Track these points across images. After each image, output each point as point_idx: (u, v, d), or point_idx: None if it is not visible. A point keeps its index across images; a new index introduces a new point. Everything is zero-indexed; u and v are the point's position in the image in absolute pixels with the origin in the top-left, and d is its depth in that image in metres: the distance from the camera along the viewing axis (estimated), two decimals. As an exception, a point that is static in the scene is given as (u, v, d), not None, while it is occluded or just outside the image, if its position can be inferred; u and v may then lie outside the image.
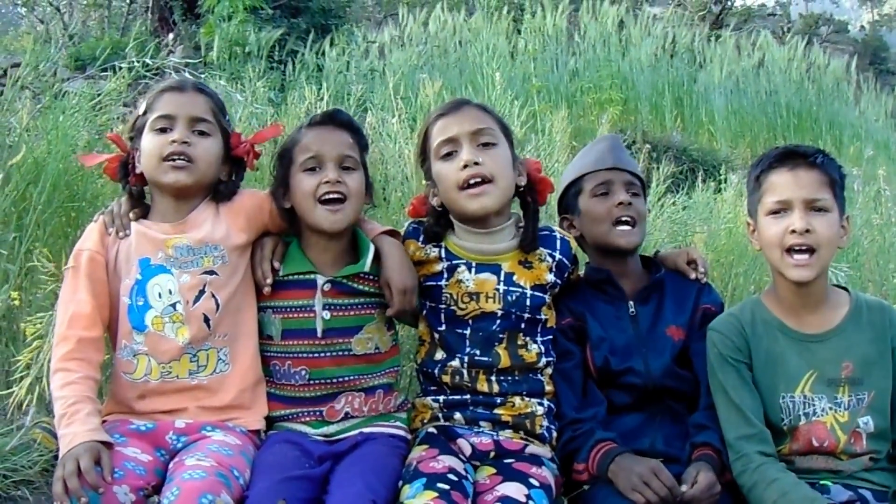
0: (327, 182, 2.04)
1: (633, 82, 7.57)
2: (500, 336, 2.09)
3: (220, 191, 2.12)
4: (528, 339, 2.11)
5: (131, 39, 3.23)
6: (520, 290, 2.10)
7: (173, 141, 2.01)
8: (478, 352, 2.08)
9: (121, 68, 2.94)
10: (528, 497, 1.83)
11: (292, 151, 2.11)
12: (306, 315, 2.05)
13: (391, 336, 2.16)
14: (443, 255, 2.14)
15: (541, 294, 2.12)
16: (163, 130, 2.03)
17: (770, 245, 2.01)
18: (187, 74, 2.97)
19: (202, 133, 2.06)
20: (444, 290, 2.11)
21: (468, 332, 2.09)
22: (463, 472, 1.90)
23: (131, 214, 2.07)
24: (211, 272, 2.03)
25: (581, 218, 2.26)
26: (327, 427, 2.06)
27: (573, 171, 2.34)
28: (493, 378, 2.08)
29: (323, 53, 6.88)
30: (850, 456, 1.96)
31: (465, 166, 2.05)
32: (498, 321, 2.09)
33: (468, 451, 2.02)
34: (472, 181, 2.05)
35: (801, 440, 1.99)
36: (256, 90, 3.66)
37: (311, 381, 2.05)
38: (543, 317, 2.14)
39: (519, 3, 8.88)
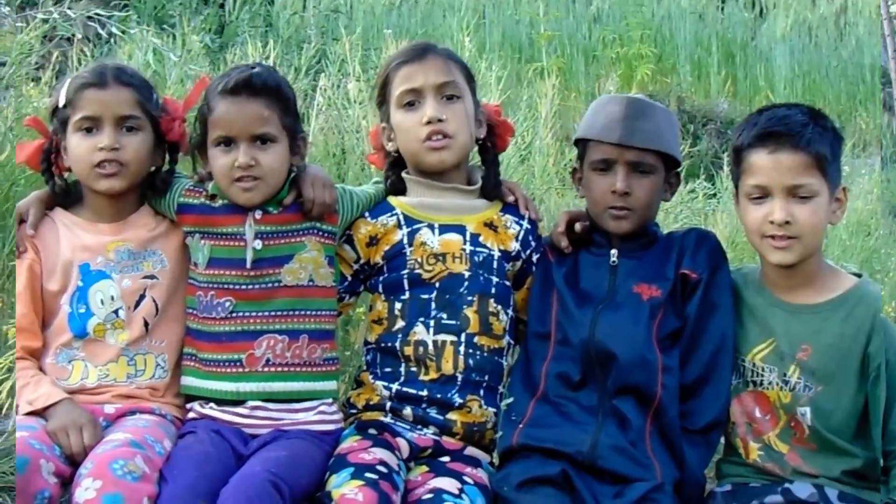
0: (239, 166, 2.60)
1: (670, 33, 7.98)
2: (469, 298, 2.70)
3: (156, 185, 2.73)
4: (499, 307, 2.73)
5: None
6: (487, 250, 2.75)
7: (101, 147, 2.59)
8: (444, 315, 2.69)
9: (34, 17, 3.47)
10: (461, 491, 2.43)
11: (207, 119, 2.67)
12: (235, 244, 2.66)
13: (331, 274, 2.73)
14: (401, 221, 2.76)
15: (506, 263, 2.76)
16: (89, 130, 2.62)
17: (749, 229, 2.57)
18: (114, 29, 3.51)
19: (130, 129, 2.64)
20: (408, 257, 2.73)
21: (434, 294, 2.70)
22: (395, 467, 2.48)
23: (30, 226, 2.63)
24: (151, 276, 2.67)
25: (584, 183, 2.83)
26: (247, 382, 2.61)
27: (583, 126, 2.83)
28: (461, 349, 2.67)
29: None
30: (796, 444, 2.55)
31: (429, 121, 2.68)
32: (466, 283, 2.71)
33: (406, 451, 2.61)
34: (433, 136, 2.68)
35: (743, 404, 2.61)
36: (189, 41, 4.20)
37: (234, 314, 2.64)
38: (513, 291, 2.77)
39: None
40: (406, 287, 2.73)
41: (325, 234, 2.73)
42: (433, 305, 2.70)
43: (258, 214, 2.67)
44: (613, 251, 2.75)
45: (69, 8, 3.56)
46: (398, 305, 2.73)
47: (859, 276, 2.65)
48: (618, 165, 2.69)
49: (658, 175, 2.74)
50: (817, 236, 2.55)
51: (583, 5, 8.16)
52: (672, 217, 4.26)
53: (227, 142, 2.63)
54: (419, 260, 2.72)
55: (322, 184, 2.72)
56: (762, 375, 2.60)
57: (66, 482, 2.38)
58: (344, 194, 2.78)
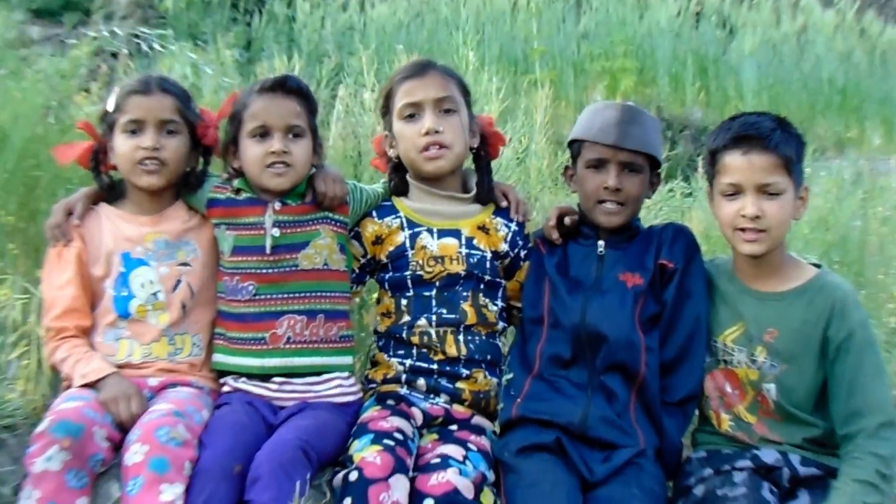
0: (273, 153, 2.69)
1: (650, 49, 8.06)
2: (465, 294, 2.77)
3: (190, 182, 2.79)
4: (487, 300, 2.80)
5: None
6: (480, 252, 2.80)
7: (144, 147, 2.67)
8: (444, 311, 2.75)
9: (85, 35, 3.56)
10: (465, 457, 2.48)
11: (242, 115, 2.75)
12: (257, 232, 2.71)
13: (344, 260, 2.79)
14: (404, 224, 2.82)
15: (496, 261, 2.82)
16: (133, 132, 2.69)
17: (723, 223, 2.62)
18: (157, 46, 3.59)
19: (170, 132, 2.72)
20: (410, 259, 2.78)
21: (434, 292, 2.77)
22: (410, 434, 2.55)
23: (76, 217, 2.70)
24: (185, 264, 2.74)
25: (576, 180, 2.86)
26: (271, 358, 2.67)
27: (579, 128, 2.84)
28: (461, 338, 2.74)
29: (294, 4, 7.32)
30: (762, 416, 2.61)
31: (427, 133, 2.73)
32: (462, 281, 2.77)
33: (420, 419, 2.67)
34: (430, 147, 2.74)
35: (716, 380, 2.66)
36: (222, 55, 4.28)
37: (257, 297, 2.69)
38: (501, 282, 2.84)
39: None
40: (409, 286, 2.79)
41: (337, 224, 2.79)
42: (434, 302, 2.76)
43: (277, 205, 2.73)
44: (600, 242, 2.79)
45: (116, 27, 3.60)
46: (404, 302, 2.79)
47: (819, 266, 2.69)
48: (611, 164, 2.73)
49: (645, 174, 2.78)
50: (783, 229, 2.60)
51: (572, 24, 8.23)
52: (653, 214, 4.31)
53: (263, 133, 2.70)
54: (420, 262, 2.78)
55: (333, 179, 2.78)
56: (732, 355, 2.65)
57: (117, 447, 2.44)
58: (354, 190, 2.84)
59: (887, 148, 7.85)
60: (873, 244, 4.52)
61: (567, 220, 2.83)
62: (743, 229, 2.55)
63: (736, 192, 2.56)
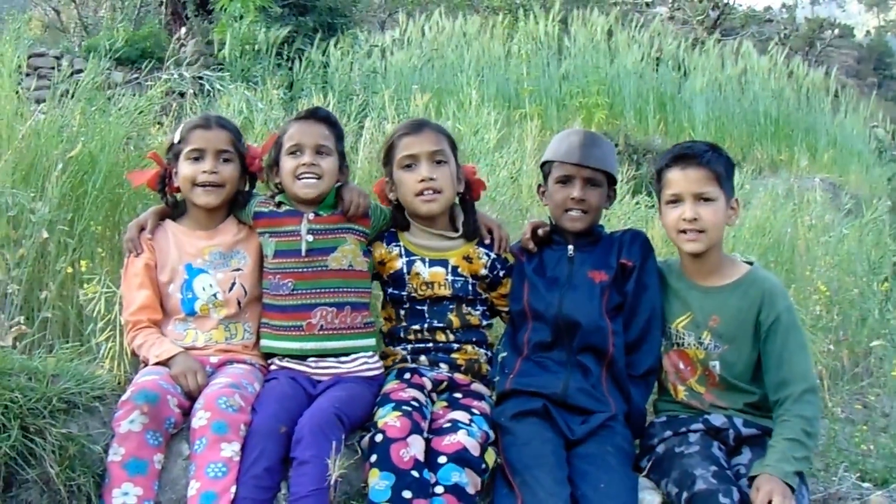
0: (304, 164, 2.71)
1: (619, 88, 8.10)
2: (451, 307, 2.79)
3: (238, 200, 2.81)
4: (470, 308, 2.82)
5: (146, 33, 3.93)
6: (463, 278, 2.81)
7: (204, 171, 2.71)
8: (435, 321, 2.78)
9: (159, 78, 3.59)
10: (471, 420, 2.50)
11: (281, 139, 2.79)
12: (294, 238, 2.72)
13: (366, 262, 2.78)
14: (402, 253, 2.83)
15: (476, 282, 2.83)
16: (195, 159, 2.72)
17: (668, 228, 2.64)
18: (217, 86, 3.61)
19: (226, 160, 2.75)
20: (406, 282, 2.79)
21: (426, 307, 2.79)
22: (423, 402, 2.57)
23: (148, 232, 2.72)
24: (238, 269, 2.76)
25: (548, 195, 2.87)
26: (307, 342, 2.67)
27: (549, 151, 2.84)
28: (449, 331, 2.78)
29: (328, 52, 7.39)
30: (710, 387, 2.63)
31: (423, 180, 2.73)
32: (447, 300, 2.79)
33: (429, 385, 2.69)
34: (425, 192, 2.74)
35: (671, 359, 2.68)
36: (271, 95, 4.30)
37: (295, 291, 2.69)
38: (481, 294, 2.85)
39: (516, 5, 9.35)
40: (405, 302, 2.81)
41: (360, 233, 2.79)
42: (426, 314, 2.78)
43: (311, 216, 2.73)
44: (570, 246, 2.78)
45: (184, 71, 3.63)
46: (402, 312, 2.82)
47: (751, 263, 2.69)
48: (576, 180, 2.73)
49: (603, 188, 2.77)
50: (718, 231, 2.59)
51: (555, 67, 8.28)
52: (622, 222, 4.34)
53: (296, 151, 2.73)
54: (414, 286, 2.79)
55: (358, 193, 2.79)
56: (683, 338, 2.66)
57: (186, 413, 2.46)
58: (376, 208, 2.85)
59: (812, 168, 7.88)
60: (801, 247, 4.54)
61: (540, 231, 2.84)
62: (685, 231, 2.56)
63: (677, 200, 2.57)
